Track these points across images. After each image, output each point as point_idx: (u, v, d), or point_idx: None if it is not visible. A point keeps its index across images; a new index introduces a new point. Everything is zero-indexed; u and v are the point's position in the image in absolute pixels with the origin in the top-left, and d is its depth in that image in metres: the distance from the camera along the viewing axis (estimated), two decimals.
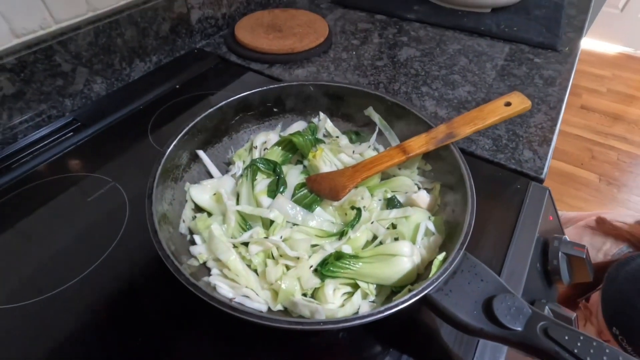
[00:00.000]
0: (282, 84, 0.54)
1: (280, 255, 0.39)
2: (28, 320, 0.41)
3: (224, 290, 0.37)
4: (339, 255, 0.38)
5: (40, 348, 0.38)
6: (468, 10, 0.99)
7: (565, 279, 0.49)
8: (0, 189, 0.54)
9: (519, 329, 0.29)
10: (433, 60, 0.82)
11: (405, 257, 0.38)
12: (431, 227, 0.42)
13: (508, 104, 0.45)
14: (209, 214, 0.44)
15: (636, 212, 2.00)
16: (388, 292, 0.39)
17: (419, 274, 0.39)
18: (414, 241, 0.41)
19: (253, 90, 0.53)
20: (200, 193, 0.46)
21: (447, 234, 0.41)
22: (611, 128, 2.54)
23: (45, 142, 0.61)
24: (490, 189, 0.56)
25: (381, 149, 0.54)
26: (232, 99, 0.51)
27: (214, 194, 0.46)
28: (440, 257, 0.35)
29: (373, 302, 0.38)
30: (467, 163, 0.43)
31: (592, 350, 0.25)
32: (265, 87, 0.53)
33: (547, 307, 0.44)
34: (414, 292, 0.31)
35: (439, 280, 0.32)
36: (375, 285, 0.39)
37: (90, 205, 0.52)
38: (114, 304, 0.42)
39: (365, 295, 0.38)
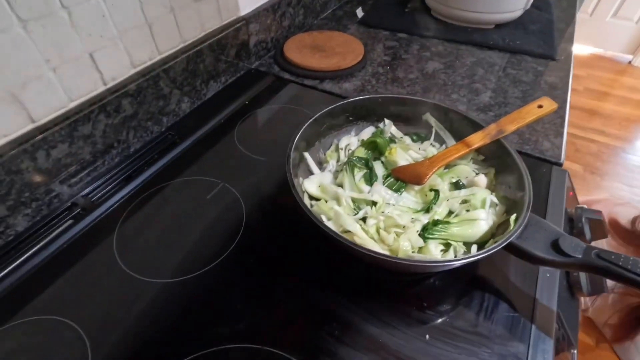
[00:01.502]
0: (358, 97, 0.68)
1: (388, 226, 0.53)
2: (191, 289, 0.52)
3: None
4: (435, 222, 0.52)
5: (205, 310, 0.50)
6: (475, 27, 1.16)
7: (588, 237, 0.64)
8: (129, 195, 0.65)
9: (580, 256, 0.43)
10: (456, 72, 0.98)
11: (483, 221, 0.52)
12: (495, 199, 0.56)
13: (540, 106, 0.60)
14: (325, 201, 0.57)
15: (617, 198, 2.20)
16: (470, 246, 0.53)
17: (493, 234, 0.53)
18: (484, 209, 0.55)
19: (337, 104, 0.66)
20: (311, 185, 0.59)
21: (507, 204, 0.56)
22: (590, 122, 2.78)
23: (152, 154, 0.73)
24: None
25: (437, 146, 0.68)
26: (324, 111, 0.64)
27: (319, 185, 0.60)
28: (513, 217, 0.49)
29: (463, 254, 0.52)
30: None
31: (631, 262, 0.40)
32: (345, 101, 0.67)
33: None
34: (503, 240, 0.45)
35: (518, 230, 0.46)
36: (462, 243, 0.52)
37: (211, 202, 0.64)
38: (252, 275, 0.54)
39: (455, 250, 0.52)
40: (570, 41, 1.12)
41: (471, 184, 0.60)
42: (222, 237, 0.59)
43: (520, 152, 0.75)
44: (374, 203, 0.56)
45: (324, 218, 0.54)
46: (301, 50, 0.99)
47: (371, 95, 0.68)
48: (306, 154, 0.62)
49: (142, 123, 0.72)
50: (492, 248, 0.44)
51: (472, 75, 0.96)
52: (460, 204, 0.58)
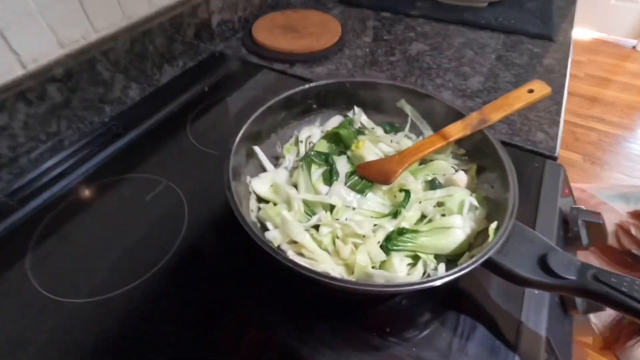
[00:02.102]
0: (322, 82, 0.59)
1: (346, 235, 0.44)
2: (113, 309, 0.44)
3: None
4: (401, 231, 0.43)
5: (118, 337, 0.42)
6: (466, 5, 1.05)
7: (585, 242, 0.56)
8: (57, 196, 0.57)
9: (573, 277, 0.34)
10: (442, 54, 0.88)
11: (459, 229, 0.43)
12: (474, 202, 0.47)
13: (531, 91, 0.51)
14: (273, 204, 0.49)
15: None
16: (444, 261, 0.44)
17: (470, 244, 0.44)
18: (461, 214, 0.46)
19: (297, 89, 0.57)
20: (261, 185, 0.50)
21: (489, 207, 0.47)
22: (590, 110, 2.67)
23: (91, 148, 0.64)
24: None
25: (414, 137, 0.60)
26: (279, 97, 0.55)
27: (271, 185, 0.51)
28: (493, 225, 0.40)
29: (434, 269, 0.43)
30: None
31: (637, 286, 0.31)
32: (307, 86, 0.58)
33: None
34: (479, 255, 0.36)
35: (498, 243, 0.37)
36: (433, 256, 0.44)
37: (150, 203, 0.56)
38: (189, 290, 0.46)
39: (425, 265, 0.43)
40: (570, 22, 1.01)
41: (449, 183, 0.52)
42: (156, 246, 0.50)
43: (509, 144, 0.66)
44: (332, 207, 0.47)
45: (269, 225, 0.46)
46: (272, 31, 0.89)
47: (337, 80, 0.59)
48: (257, 148, 0.53)
49: (78, 112, 0.63)
50: (463, 267, 0.35)
51: (460, 57, 0.87)
52: (435, 206, 0.49)
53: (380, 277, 0.40)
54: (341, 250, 0.42)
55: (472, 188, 0.51)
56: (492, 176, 0.49)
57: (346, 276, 0.42)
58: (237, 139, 0.48)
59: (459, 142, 0.55)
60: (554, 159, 0.64)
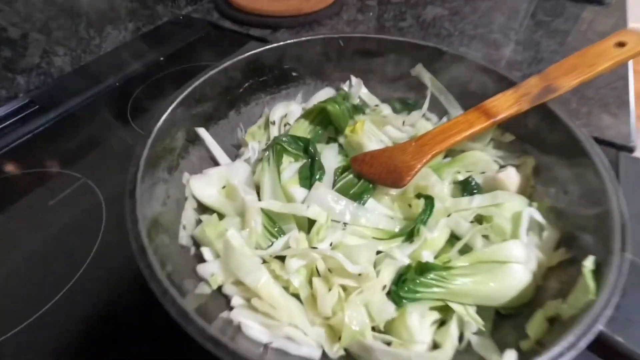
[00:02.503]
0: (302, 38, 0.41)
1: (330, 273, 0.26)
2: None
3: (254, 330, 0.24)
4: (423, 268, 0.26)
5: None
6: None
7: None
8: None
9: None
10: (465, 19, 0.70)
11: (520, 265, 0.26)
12: (538, 216, 0.30)
13: (621, 44, 0.33)
14: (220, 216, 0.31)
15: None
16: (491, 315, 0.27)
17: (538, 287, 0.27)
18: (514, 237, 0.29)
19: (266, 47, 0.39)
20: (205, 186, 0.33)
21: (562, 225, 0.29)
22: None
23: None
24: None
25: (435, 119, 0.42)
26: (238, 58, 0.38)
27: (223, 186, 0.33)
28: (590, 263, 0.23)
29: (476, 334, 0.26)
30: None
31: None
32: (281, 43, 0.40)
33: None
34: (582, 330, 0.19)
35: (612, 302, 0.20)
36: (475, 308, 0.26)
37: (56, 209, 0.39)
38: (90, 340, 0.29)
39: (462, 325, 0.26)
40: None
41: (491, 185, 0.34)
42: (58, 270, 0.33)
43: None
44: (312, 223, 0.29)
45: (206, 254, 0.28)
46: None
47: (324, 35, 0.41)
48: (202, 132, 0.35)
49: None
50: (556, 355, 0.18)
51: (488, 23, 0.68)
52: (472, 222, 0.31)
53: (385, 356, 0.22)
54: (321, 301, 0.25)
55: (528, 193, 0.33)
56: (565, 175, 0.31)
57: (327, 343, 0.25)
58: (163, 118, 0.31)
59: (504, 125, 0.37)
60: (630, 150, 0.46)
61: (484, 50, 0.62)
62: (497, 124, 0.33)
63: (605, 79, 0.55)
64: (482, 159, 0.35)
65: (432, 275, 0.25)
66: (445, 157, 0.38)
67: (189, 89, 0.33)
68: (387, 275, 0.26)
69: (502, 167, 0.36)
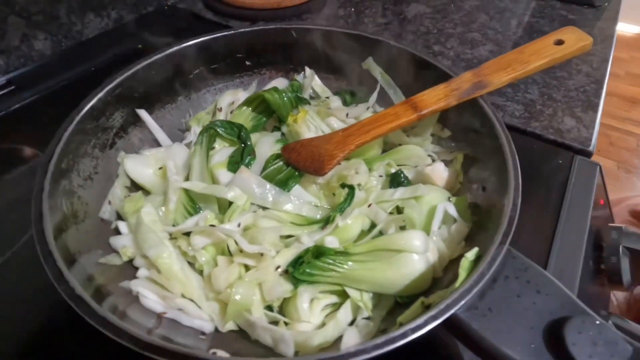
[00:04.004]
0: (255, 27, 0.42)
1: (240, 252, 0.27)
2: None
3: (151, 301, 0.25)
4: (319, 252, 0.26)
5: None
6: None
7: (627, 281, 0.37)
8: None
9: None
10: (447, 17, 0.69)
11: (417, 254, 0.26)
12: (452, 210, 0.30)
13: (559, 42, 0.33)
14: (147, 194, 0.33)
15: None
16: (390, 304, 0.27)
17: (436, 278, 0.27)
18: (427, 231, 0.29)
19: (217, 34, 0.40)
20: (140, 166, 0.34)
21: (476, 221, 0.29)
22: (629, 113, 2.38)
23: None
24: (525, 165, 0.43)
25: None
26: (188, 43, 0.39)
27: (160, 167, 0.35)
28: (471, 254, 0.23)
29: (368, 319, 0.26)
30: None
31: None
32: (233, 31, 0.41)
33: (610, 320, 0.32)
34: (432, 314, 0.19)
35: (472, 292, 0.20)
36: (371, 295, 0.27)
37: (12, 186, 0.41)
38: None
39: (356, 310, 0.26)
40: None
41: (421, 179, 0.34)
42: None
43: (524, 132, 0.47)
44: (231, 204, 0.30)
45: (122, 227, 0.30)
46: None
47: (276, 25, 0.42)
48: (142, 112, 0.37)
49: None
50: (395, 336, 0.18)
51: (470, 22, 0.68)
52: (391, 213, 0.32)
53: (264, 332, 0.23)
54: (216, 276, 0.26)
55: (454, 188, 0.33)
56: (486, 172, 0.31)
57: (219, 318, 0.25)
58: (101, 93, 0.32)
59: (444, 120, 0.37)
60: (588, 154, 0.45)
61: (458, 49, 0.61)
62: (427, 118, 0.33)
63: (577, 81, 0.54)
64: (416, 153, 0.35)
65: (327, 260, 0.26)
66: (385, 150, 0.38)
67: (130, 72, 0.35)
68: (284, 257, 0.26)
69: (435, 160, 0.36)
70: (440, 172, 0.33)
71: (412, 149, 0.36)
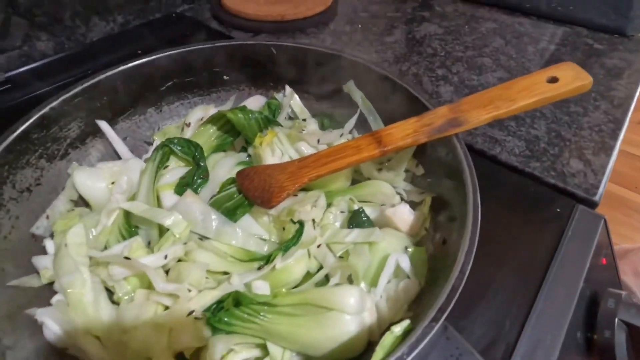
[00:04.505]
0: (233, 42, 0.40)
1: (150, 289, 0.25)
2: None
3: (53, 334, 0.23)
4: (239, 299, 0.23)
5: None
6: None
7: (620, 356, 0.32)
8: None
9: None
10: (458, 39, 0.65)
11: (349, 315, 0.22)
12: (405, 264, 0.26)
13: (553, 80, 0.29)
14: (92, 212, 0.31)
15: None
16: None
17: (372, 342, 0.23)
18: (373, 284, 0.25)
19: (192, 47, 0.39)
20: (91, 179, 0.32)
21: (431, 278, 0.26)
22: None
23: None
24: (516, 209, 0.39)
25: None
26: (160, 55, 0.38)
27: (113, 182, 0.33)
28: (399, 329, 0.19)
29: None
30: (487, 170, 0.28)
31: None
32: (209, 44, 0.39)
33: None
34: None
35: None
36: (294, 354, 0.23)
37: None
38: None
39: None
40: None
41: (382, 221, 0.31)
42: None
43: (519, 172, 0.42)
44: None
45: (49, 247, 0.28)
46: None
47: (257, 41, 0.40)
48: (102, 123, 0.36)
49: None
50: None
51: (482, 46, 0.63)
52: (341, 257, 0.28)
53: None
54: (122, 314, 0.23)
55: (417, 235, 0.30)
56: (452, 222, 0.27)
57: None
58: (56, 102, 0.31)
59: (420, 155, 0.34)
60: (593, 205, 0.40)
61: (464, 74, 0.57)
62: (392, 154, 0.30)
63: (593, 119, 0.49)
64: (382, 191, 0.32)
65: (247, 310, 0.23)
66: (354, 182, 0.35)
67: (92, 81, 0.34)
68: (202, 300, 0.24)
69: (402, 201, 0.32)
70: (403, 215, 0.30)
71: (379, 185, 0.32)
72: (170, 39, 0.65)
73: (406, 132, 0.29)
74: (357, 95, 0.39)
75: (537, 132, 0.47)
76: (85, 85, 0.33)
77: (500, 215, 0.38)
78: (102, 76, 0.35)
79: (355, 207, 0.32)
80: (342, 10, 0.73)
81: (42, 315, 0.23)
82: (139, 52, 0.62)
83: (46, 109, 0.31)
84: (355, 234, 0.28)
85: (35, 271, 0.27)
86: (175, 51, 0.38)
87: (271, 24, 0.66)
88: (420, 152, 0.33)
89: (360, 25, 0.69)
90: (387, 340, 0.19)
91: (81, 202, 0.33)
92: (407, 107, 0.34)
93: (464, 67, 0.58)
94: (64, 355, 0.23)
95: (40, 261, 0.27)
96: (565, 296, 0.32)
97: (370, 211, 0.32)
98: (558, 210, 0.39)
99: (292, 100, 0.41)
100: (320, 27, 0.68)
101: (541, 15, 0.72)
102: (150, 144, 0.40)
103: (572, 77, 0.28)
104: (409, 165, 0.34)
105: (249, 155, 0.37)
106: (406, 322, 0.20)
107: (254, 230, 0.30)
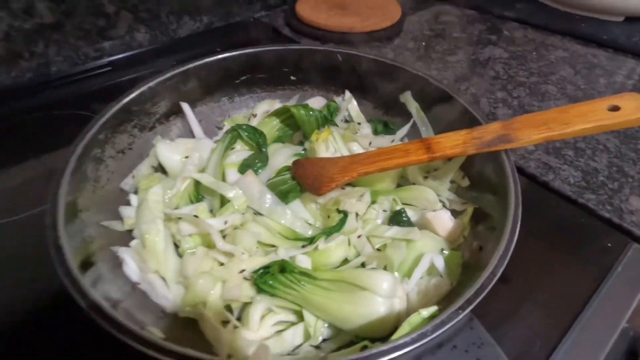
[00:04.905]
0: (304, 46, 0.44)
1: (210, 247, 0.29)
2: None
3: (130, 269, 0.28)
4: (284, 267, 0.26)
5: None
6: (589, 16, 0.78)
7: None
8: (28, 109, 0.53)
9: None
10: (523, 65, 0.64)
11: (380, 297, 0.24)
12: (440, 264, 0.28)
13: (615, 109, 0.29)
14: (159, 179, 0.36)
15: None
16: (345, 341, 0.26)
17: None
18: (407, 276, 0.27)
19: (267, 47, 0.44)
20: (170, 151, 0.38)
21: (462, 280, 0.27)
22: None
23: (77, 79, 0.60)
24: (563, 237, 0.38)
25: None
26: (239, 52, 0.43)
27: (186, 156, 0.38)
28: (426, 312, 0.21)
29: (318, 347, 0.25)
30: (536, 195, 0.29)
31: None
32: (282, 47, 0.44)
33: None
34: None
35: (404, 350, 0.18)
36: (326, 325, 0.26)
37: None
38: None
39: (308, 336, 0.26)
40: None
41: (422, 224, 0.32)
42: None
43: (572, 202, 0.42)
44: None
45: (133, 200, 0.33)
46: (317, 5, 0.77)
47: (324, 47, 0.44)
48: (185, 106, 0.41)
49: (70, 41, 0.60)
50: None
51: (549, 74, 0.62)
52: (379, 250, 0.30)
53: (209, 329, 0.24)
54: (187, 262, 0.27)
55: (455, 241, 0.31)
56: (491, 233, 0.28)
57: (180, 302, 0.27)
58: (152, 83, 0.37)
59: (468, 168, 0.35)
60: None
61: (525, 99, 0.56)
62: (440, 161, 0.32)
63: None
64: (425, 196, 0.34)
65: (289, 276, 0.26)
66: (399, 185, 0.37)
67: (181, 69, 0.39)
68: (252, 263, 0.27)
69: (444, 207, 0.34)
70: (443, 220, 0.31)
71: (423, 190, 0.34)
72: (246, 40, 0.72)
73: (455, 142, 0.31)
74: (413, 106, 0.41)
75: (597, 164, 0.46)
76: (176, 71, 0.39)
77: (545, 239, 0.37)
78: (190, 65, 0.40)
79: (398, 207, 0.34)
80: (407, 27, 0.76)
81: (123, 253, 0.28)
82: (218, 49, 0.69)
83: (144, 87, 0.37)
84: (394, 231, 0.30)
85: (120, 218, 0.32)
86: (252, 50, 0.43)
87: (339, 34, 0.70)
88: (468, 165, 0.34)
89: (424, 43, 0.71)
90: (415, 319, 0.21)
91: (159, 168, 0.38)
92: (461, 122, 0.36)
93: (525, 93, 0.58)
94: (135, 287, 0.27)
95: (125, 211, 0.32)
96: (603, 331, 0.31)
97: (411, 214, 0.33)
98: (609, 245, 0.38)
99: (350, 104, 0.45)
100: (384, 42, 0.71)
101: (618, 48, 0.69)
102: (220, 128, 0.45)
103: (635, 108, 0.28)
104: (455, 176, 0.35)
105: (304, 149, 0.41)
106: (434, 308, 0.21)
107: (301, 214, 0.33)
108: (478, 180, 0.33)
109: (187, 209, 0.31)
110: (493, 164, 0.31)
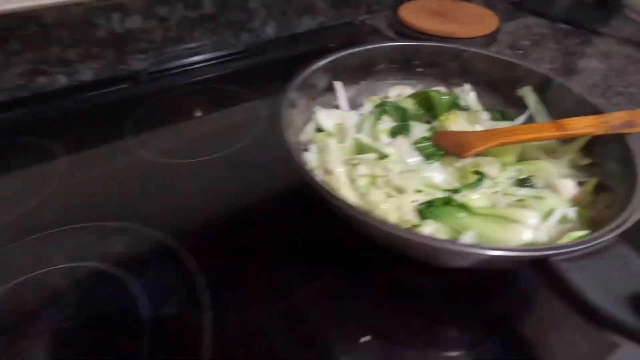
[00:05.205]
0: (437, 44, 0.53)
1: (384, 184, 0.38)
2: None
3: None
4: (447, 201, 0.35)
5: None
6: None
7: None
8: (174, 86, 0.67)
9: None
10: (621, 77, 0.69)
11: (528, 228, 0.32)
12: (572, 214, 0.34)
13: None
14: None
15: None
16: None
17: None
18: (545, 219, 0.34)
19: (407, 43, 0.53)
20: (326, 118, 0.47)
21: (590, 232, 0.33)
22: None
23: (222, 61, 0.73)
24: None
25: None
26: (385, 45, 0.52)
27: (337, 124, 0.48)
28: (580, 233, 0.28)
29: None
30: None
31: None
32: (420, 43, 0.53)
33: None
34: (537, 247, 0.25)
35: (573, 248, 0.26)
36: None
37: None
38: None
39: None
40: None
41: (548, 190, 0.39)
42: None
43: None
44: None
45: (312, 148, 0.43)
46: (419, 13, 0.86)
47: (455, 45, 0.52)
48: (338, 84, 0.51)
49: (220, 29, 0.73)
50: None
51: None
52: (510, 203, 0.38)
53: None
54: (370, 196, 0.36)
55: (581, 205, 0.37)
56: (613, 195, 0.34)
57: None
58: (324, 62, 0.47)
59: (587, 149, 0.41)
60: None
61: (625, 106, 0.61)
62: (568, 138, 0.38)
63: None
64: (547, 169, 0.40)
65: (451, 208, 0.34)
66: (519, 160, 0.44)
67: (339, 55, 0.49)
68: (422, 196, 0.35)
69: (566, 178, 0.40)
70: (568, 187, 0.38)
71: (545, 164, 0.41)
72: (354, 38, 0.82)
73: (586, 124, 0.38)
74: (531, 99, 0.47)
75: None
76: (335, 56, 0.49)
77: None
78: (345, 52, 0.50)
79: (523, 176, 0.41)
80: (502, 37, 0.82)
81: None
82: (332, 45, 0.79)
83: (314, 67, 0.46)
84: (526, 190, 0.37)
85: None
86: (394, 44, 0.52)
87: (441, 39, 0.78)
88: (588, 148, 0.41)
89: (520, 51, 0.77)
90: (571, 235, 0.28)
91: (317, 132, 0.48)
92: (578, 114, 0.42)
93: (624, 101, 0.62)
94: None
95: (308, 155, 0.42)
96: None
97: (535, 181, 0.40)
98: None
99: (469, 94, 0.52)
100: (480, 49, 0.78)
101: None
102: (355, 105, 0.54)
103: None
104: (574, 156, 0.42)
105: (432, 128, 0.49)
106: (585, 231, 0.28)
107: (442, 173, 0.41)
108: (599, 158, 0.39)
109: (360, 156, 0.40)
110: (617, 144, 0.37)
